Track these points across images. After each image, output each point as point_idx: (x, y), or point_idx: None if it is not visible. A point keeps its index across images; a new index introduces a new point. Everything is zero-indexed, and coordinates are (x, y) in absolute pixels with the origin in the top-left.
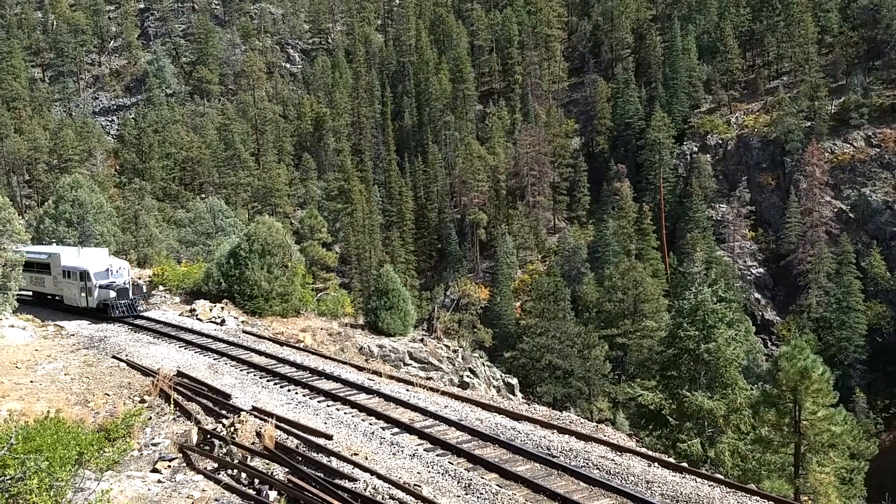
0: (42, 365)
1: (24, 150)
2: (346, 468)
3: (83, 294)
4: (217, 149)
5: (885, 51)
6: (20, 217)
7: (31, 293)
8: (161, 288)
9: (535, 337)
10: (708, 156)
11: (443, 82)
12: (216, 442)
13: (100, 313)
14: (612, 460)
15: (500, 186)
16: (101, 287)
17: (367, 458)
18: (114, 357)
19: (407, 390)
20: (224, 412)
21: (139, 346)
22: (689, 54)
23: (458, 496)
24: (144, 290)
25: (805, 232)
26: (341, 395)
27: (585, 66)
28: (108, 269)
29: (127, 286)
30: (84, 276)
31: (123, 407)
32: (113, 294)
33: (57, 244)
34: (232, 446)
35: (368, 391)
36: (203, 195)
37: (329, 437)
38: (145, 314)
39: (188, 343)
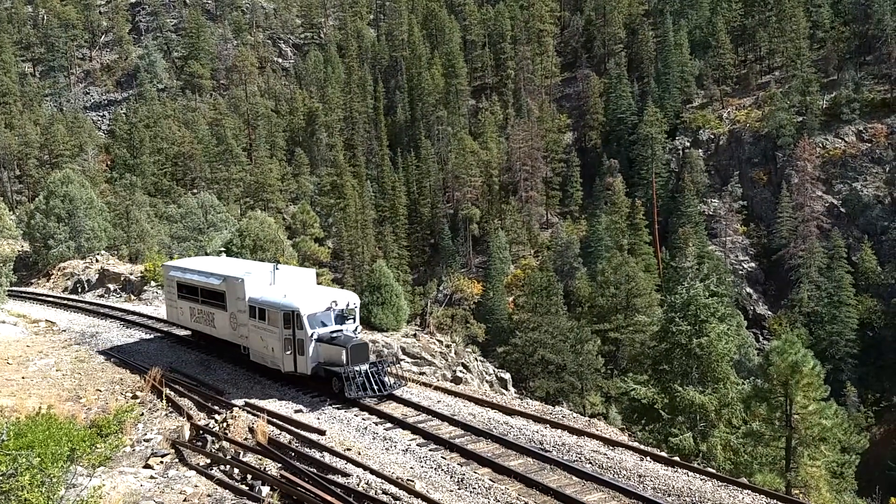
0: (34, 361)
1: (15, 146)
2: (339, 463)
3: (287, 350)
4: (209, 144)
5: (877, 46)
6: (11, 213)
7: (190, 331)
8: (153, 284)
9: (528, 332)
10: (700, 151)
11: (435, 77)
12: (209, 438)
13: (317, 382)
14: (605, 454)
15: (492, 181)
16: (321, 340)
17: (360, 454)
18: (105, 352)
19: None
20: (216, 408)
21: (131, 342)
22: (682, 49)
23: (451, 491)
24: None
25: (797, 227)
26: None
27: (578, 61)
28: (329, 309)
29: (364, 340)
30: (291, 319)
31: (115, 403)
32: (344, 354)
33: (221, 255)
34: (224, 442)
35: None
36: (195, 190)
37: (322, 433)
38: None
39: (180, 339)
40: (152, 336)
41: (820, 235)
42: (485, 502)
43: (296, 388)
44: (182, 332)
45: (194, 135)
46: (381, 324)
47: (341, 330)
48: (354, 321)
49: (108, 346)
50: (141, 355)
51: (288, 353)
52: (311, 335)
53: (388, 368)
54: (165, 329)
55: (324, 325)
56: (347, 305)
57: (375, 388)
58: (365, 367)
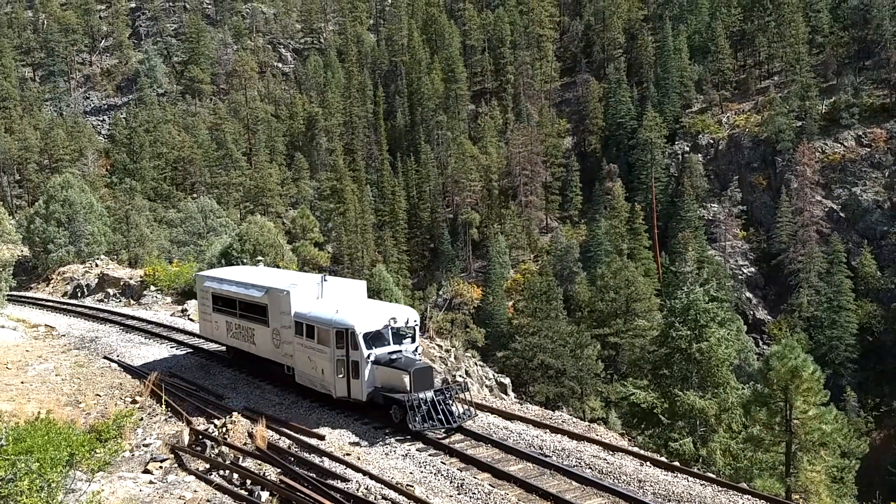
0: (33, 365)
1: (15, 150)
2: (339, 468)
3: (340, 373)
4: (209, 148)
5: (876, 51)
6: (10, 217)
7: (225, 347)
8: (153, 288)
9: (528, 336)
10: (699, 155)
11: (435, 82)
12: (208, 442)
13: (372, 410)
14: (605, 459)
15: (492, 186)
16: (378, 363)
17: (359, 459)
18: (105, 357)
19: None
20: (216, 413)
21: (130, 347)
22: (681, 54)
23: (451, 496)
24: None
25: (796, 231)
26: None
27: (577, 65)
28: (387, 326)
29: (428, 363)
30: (344, 337)
31: (115, 408)
32: (406, 379)
33: (258, 264)
34: (224, 447)
35: None
36: (194, 195)
37: (321, 438)
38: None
39: (180, 343)
40: (152, 341)
41: (819, 240)
42: None
43: (295, 393)
44: (183, 338)
45: (194, 139)
46: None
47: (400, 350)
48: (414, 340)
49: (108, 350)
50: (140, 360)
51: (340, 376)
52: (368, 356)
53: (457, 395)
54: (165, 334)
55: (381, 345)
56: (406, 322)
57: (445, 419)
58: (430, 394)
